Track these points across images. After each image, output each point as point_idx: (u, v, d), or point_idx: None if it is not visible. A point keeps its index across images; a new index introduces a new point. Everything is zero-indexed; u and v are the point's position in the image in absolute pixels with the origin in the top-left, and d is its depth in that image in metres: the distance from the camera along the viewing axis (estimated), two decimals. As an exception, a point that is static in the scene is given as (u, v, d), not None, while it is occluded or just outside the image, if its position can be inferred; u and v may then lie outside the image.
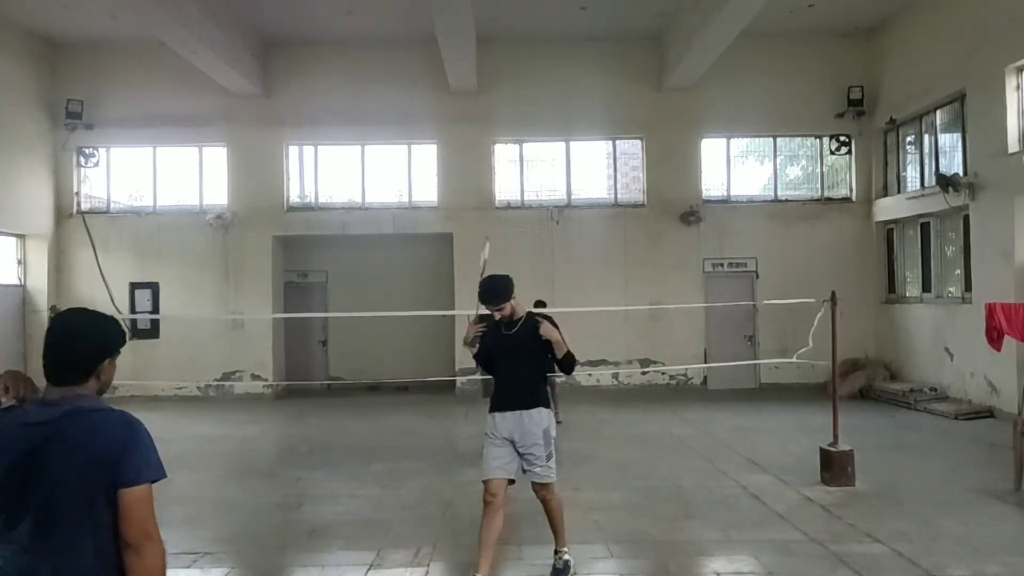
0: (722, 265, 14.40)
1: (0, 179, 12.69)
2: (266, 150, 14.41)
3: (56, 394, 2.10)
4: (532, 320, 4.78)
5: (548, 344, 4.67)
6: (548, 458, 4.67)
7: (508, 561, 5.19)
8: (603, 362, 14.18)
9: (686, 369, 14.07)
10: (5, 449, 2.03)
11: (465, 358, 12.26)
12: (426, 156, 14.74)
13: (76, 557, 2.04)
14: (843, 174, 14.72)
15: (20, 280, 13.79)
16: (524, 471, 4.71)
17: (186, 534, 5.82)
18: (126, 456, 2.07)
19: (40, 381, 2.26)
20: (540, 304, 11.39)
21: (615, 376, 14.26)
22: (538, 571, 5.04)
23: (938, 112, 12.52)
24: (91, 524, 2.04)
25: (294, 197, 14.79)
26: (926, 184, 12.70)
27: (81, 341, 2.15)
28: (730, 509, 6.47)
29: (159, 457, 2.15)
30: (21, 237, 13.75)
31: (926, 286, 12.89)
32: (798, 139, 14.88)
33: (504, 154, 14.77)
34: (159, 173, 14.68)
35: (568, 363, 4.77)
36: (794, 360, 7.90)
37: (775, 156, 14.78)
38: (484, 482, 4.62)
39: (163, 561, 2.11)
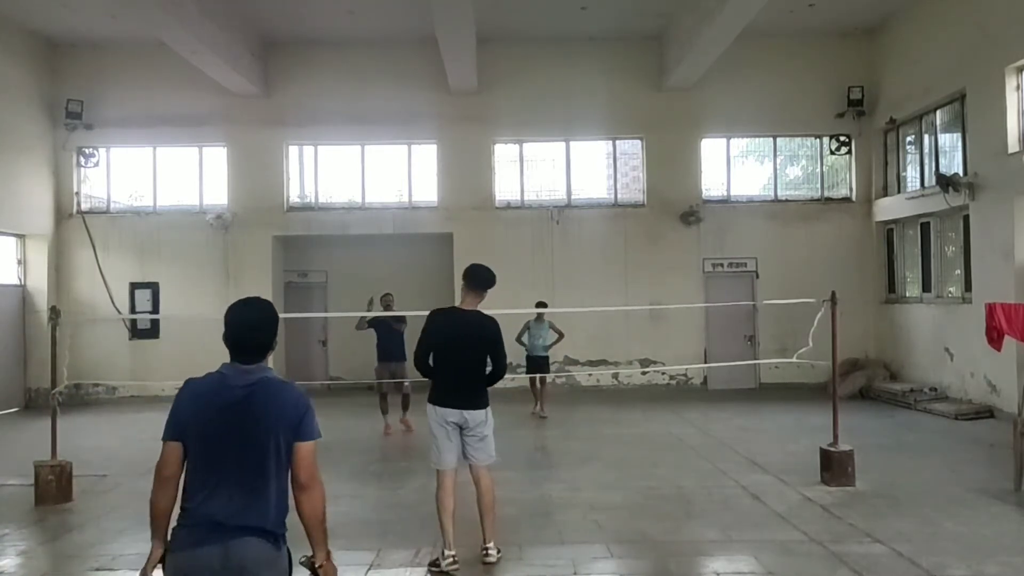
0: (722, 265, 14.40)
1: (0, 179, 12.69)
2: (266, 150, 14.42)
3: (248, 367, 2.67)
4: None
5: None
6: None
7: (508, 561, 5.19)
8: (603, 362, 14.19)
9: (686, 369, 14.06)
10: (217, 404, 2.60)
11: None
12: (426, 156, 14.75)
13: (264, 493, 2.58)
14: (843, 174, 14.72)
15: (20, 280, 13.78)
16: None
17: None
18: (306, 417, 2.66)
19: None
20: (541, 305, 11.43)
21: (615, 376, 14.26)
22: (538, 571, 5.05)
23: (938, 112, 12.52)
24: (276, 467, 2.61)
25: (294, 197, 14.80)
26: (926, 184, 12.70)
27: (268, 328, 2.73)
28: (730, 509, 6.47)
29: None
30: (21, 237, 13.74)
31: (926, 286, 12.88)
32: (798, 139, 14.89)
33: (504, 154, 14.77)
34: (159, 173, 14.68)
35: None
36: (794, 360, 7.88)
37: (775, 156, 14.78)
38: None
39: (324, 499, 2.72)
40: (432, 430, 5.05)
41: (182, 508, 2.60)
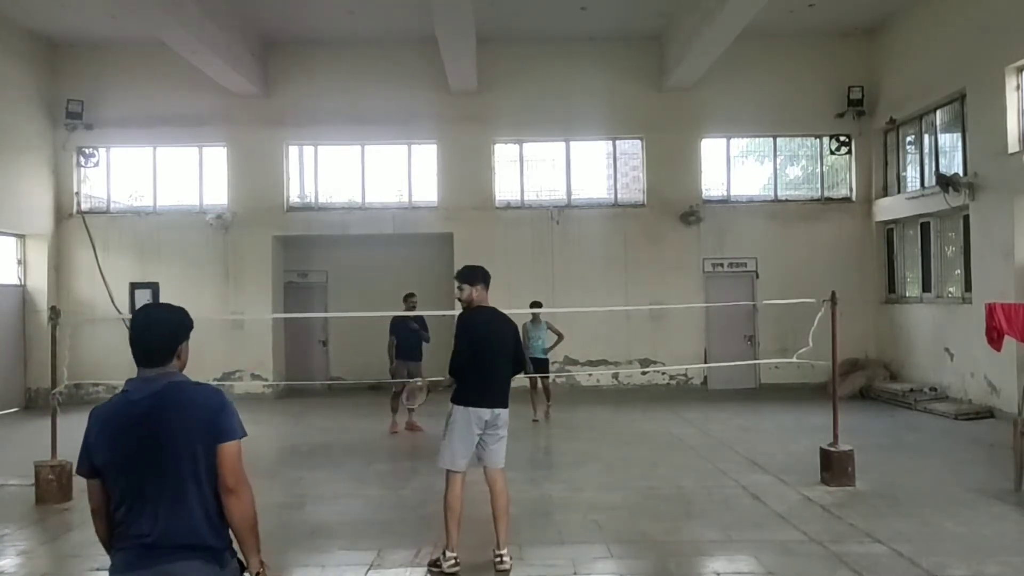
0: (722, 265, 14.40)
1: (0, 179, 12.69)
2: (266, 150, 14.42)
3: (150, 374, 2.54)
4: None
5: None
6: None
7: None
8: (603, 362, 14.19)
9: (686, 369, 14.07)
10: (123, 425, 2.47)
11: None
12: (426, 156, 14.75)
13: (189, 506, 2.45)
14: (843, 174, 14.72)
15: (20, 280, 13.79)
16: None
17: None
18: (222, 417, 2.51)
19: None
20: (536, 305, 11.39)
21: (615, 376, 14.26)
22: (538, 571, 5.05)
23: (938, 112, 12.52)
24: (195, 476, 2.46)
25: (294, 197, 14.80)
26: (926, 184, 12.71)
27: (164, 331, 2.58)
28: (730, 509, 6.47)
29: (241, 419, 2.57)
30: (21, 237, 13.74)
31: (926, 286, 12.89)
32: (798, 139, 14.89)
33: (504, 154, 14.77)
34: (159, 173, 14.68)
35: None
36: (794, 360, 7.88)
37: (775, 156, 14.78)
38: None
39: (254, 502, 2.56)
40: (453, 431, 4.95)
41: (116, 533, 2.54)
